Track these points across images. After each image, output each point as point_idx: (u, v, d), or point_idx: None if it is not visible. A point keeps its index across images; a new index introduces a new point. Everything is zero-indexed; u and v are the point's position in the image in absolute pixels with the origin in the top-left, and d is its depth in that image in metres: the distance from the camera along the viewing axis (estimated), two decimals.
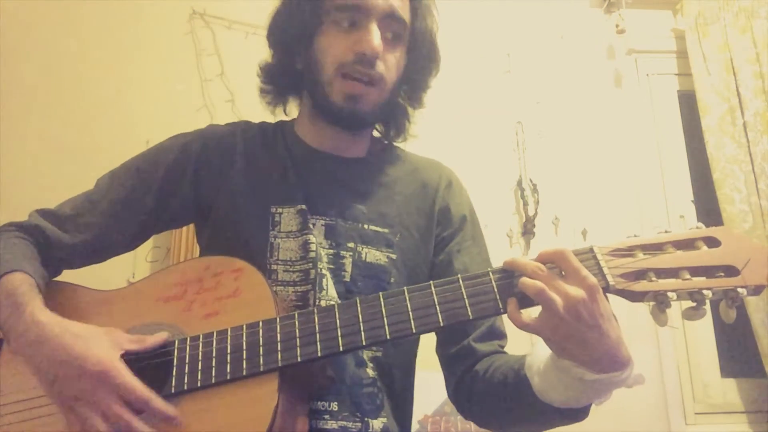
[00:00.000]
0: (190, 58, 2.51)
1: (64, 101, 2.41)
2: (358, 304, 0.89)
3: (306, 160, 1.12)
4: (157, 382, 0.88)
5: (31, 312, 0.89)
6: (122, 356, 0.87)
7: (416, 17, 1.10)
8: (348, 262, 1.04)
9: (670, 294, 0.81)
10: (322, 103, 1.07)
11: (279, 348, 0.87)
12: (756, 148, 2.48)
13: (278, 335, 0.88)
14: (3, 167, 2.24)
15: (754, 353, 2.36)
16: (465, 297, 0.86)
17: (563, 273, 0.83)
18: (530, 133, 2.60)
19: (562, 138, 2.62)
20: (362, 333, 0.87)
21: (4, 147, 2.28)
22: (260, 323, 0.89)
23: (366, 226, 1.07)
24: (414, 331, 0.86)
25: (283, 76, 1.15)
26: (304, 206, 1.05)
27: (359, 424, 0.97)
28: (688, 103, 2.71)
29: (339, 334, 0.87)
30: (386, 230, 1.08)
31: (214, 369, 0.88)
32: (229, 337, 0.89)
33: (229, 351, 0.88)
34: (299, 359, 0.86)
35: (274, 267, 1.02)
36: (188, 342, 0.91)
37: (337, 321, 0.88)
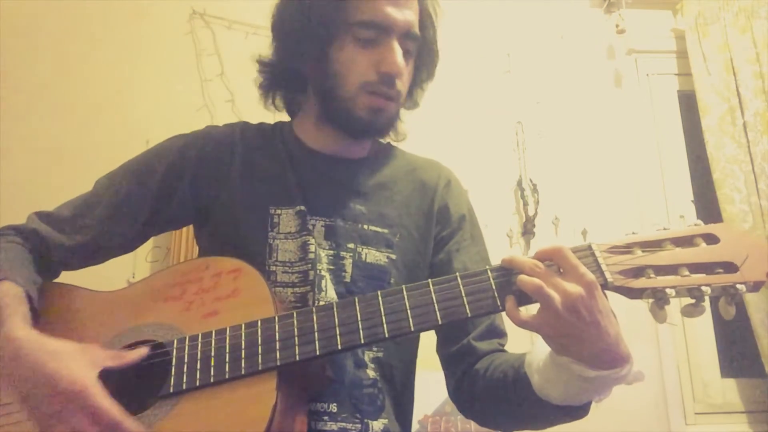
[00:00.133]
0: (190, 58, 2.51)
1: (64, 101, 2.42)
2: (357, 303, 0.89)
3: (305, 161, 1.12)
4: (155, 382, 0.88)
5: (9, 327, 0.88)
6: (101, 373, 0.86)
7: (424, 28, 1.10)
8: (348, 263, 1.04)
9: (668, 291, 0.81)
10: (341, 114, 1.06)
11: (277, 347, 0.87)
12: (756, 148, 2.48)
13: (277, 334, 0.88)
14: (3, 167, 2.24)
15: (754, 353, 2.36)
16: (463, 295, 0.86)
17: (561, 270, 0.83)
18: (530, 133, 2.61)
19: (562, 138, 2.62)
20: (361, 331, 0.87)
21: (4, 147, 2.28)
22: (259, 322, 0.89)
23: (366, 227, 1.07)
24: (412, 329, 0.86)
25: (286, 75, 1.14)
26: (303, 207, 1.05)
27: (359, 426, 0.97)
28: (688, 103, 2.71)
29: (337, 332, 0.87)
30: (386, 230, 1.08)
31: (212, 368, 0.87)
32: (227, 337, 0.89)
33: (227, 350, 0.88)
34: (298, 358, 0.86)
35: (273, 268, 1.02)
36: (187, 341, 0.91)
37: (336, 319, 0.88)
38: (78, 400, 0.81)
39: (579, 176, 2.57)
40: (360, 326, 0.87)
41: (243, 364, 0.86)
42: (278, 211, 1.05)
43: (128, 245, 1.13)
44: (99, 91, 2.44)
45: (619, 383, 0.83)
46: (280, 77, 1.15)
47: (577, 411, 0.89)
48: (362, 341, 0.87)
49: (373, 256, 1.05)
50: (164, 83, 2.48)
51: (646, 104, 2.73)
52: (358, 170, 1.13)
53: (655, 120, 2.71)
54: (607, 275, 0.83)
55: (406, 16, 1.04)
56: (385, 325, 0.86)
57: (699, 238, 0.85)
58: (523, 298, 0.84)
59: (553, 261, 0.83)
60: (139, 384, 0.91)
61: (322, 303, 0.98)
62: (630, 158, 2.63)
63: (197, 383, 0.87)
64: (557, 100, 2.65)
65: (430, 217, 1.13)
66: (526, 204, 2.51)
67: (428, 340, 1.12)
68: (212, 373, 0.87)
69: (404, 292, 0.88)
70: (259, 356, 0.86)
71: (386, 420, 1.01)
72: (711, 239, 0.84)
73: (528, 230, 2.49)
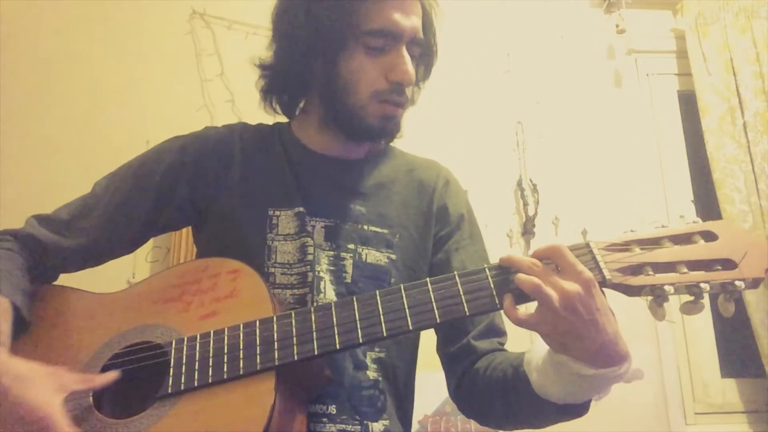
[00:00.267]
0: (190, 58, 2.51)
1: (64, 101, 2.42)
2: (355, 302, 0.89)
3: (304, 162, 1.12)
4: (155, 383, 0.88)
5: None
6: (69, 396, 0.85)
7: (425, 30, 1.10)
8: (349, 264, 1.04)
9: (667, 288, 0.81)
10: (353, 122, 1.06)
11: (276, 347, 0.86)
12: (756, 148, 2.48)
13: (275, 334, 0.87)
14: (3, 167, 2.24)
15: (754, 353, 2.36)
16: (461, 293, 0.86)
17: (559, 268, 0.82)
18: (530, 133, 2.60)
19: (562, 138, 2.62)
20: (359, 330, 0.87)
21: (4, 147, 2.28)
22: (257, 322, 0.89)
23: (365, 227, 1.07)
24: (410, 328, 0.86)
25: (288, 78, 1.12)
26: (302, 209, 1.05)
27: (358, 427, 0.97)
28: (688, 103, 2.71)
29: (336, 332, 0.87)
30: (385, 231, 1.08)
31: (211, 369, 0.87)
32: (225, 337, 0.89)
33: (225, 351, 0.88)
34: (296, 357, 0.86)
35: (272, 270, 1.02)
36: (185, 342, 0.90)
37: (334, 319, 0.88)
38: (40, 428, 0.81)
39: (579, 176, 2.57)
40: (358, 325, 0.87)
41: (241, 364, 0.86)
42: (277, 213, 1.05)
43: (127, 247, 1.13)
44: (99, 91, 2.44)
45: (618, 381, 0.83)
46: (281, 80, 1.13)
47: (577, 409, 0.89)
48: (360, 340, 0.87)
49: (374, 256, 1.05)
50: (164, 83, 2.48)
51: (646, 104, 2.73)
52: (357, 171, 1.13)
53: (655, 120, 2.71)
54: (605, 273, 0.83)
55: (413, 22, 1.04)
56: (383, 324, 0.86)
57: (697, 235, 0.85)
58: (522, 297, 0.84)
59: (550, 259, 0.83)
60: (139, 385, 0.90)
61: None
62: (630, 158, 2.63)
63: (195, 384, 0.87)
64: (557, 100, 2.65)
65: (429, 217, 1.13)
66: (526, 204, 2.51)
67: (428, 341, 1.12)
68: (210, 373, 0.87)
69: (402, 291, 0.88)
70: (258, 356, 0.86)
71: (387, 421, 1.01)
72: (709, 236, 0.84)
73: (528, 230, 2.49)
